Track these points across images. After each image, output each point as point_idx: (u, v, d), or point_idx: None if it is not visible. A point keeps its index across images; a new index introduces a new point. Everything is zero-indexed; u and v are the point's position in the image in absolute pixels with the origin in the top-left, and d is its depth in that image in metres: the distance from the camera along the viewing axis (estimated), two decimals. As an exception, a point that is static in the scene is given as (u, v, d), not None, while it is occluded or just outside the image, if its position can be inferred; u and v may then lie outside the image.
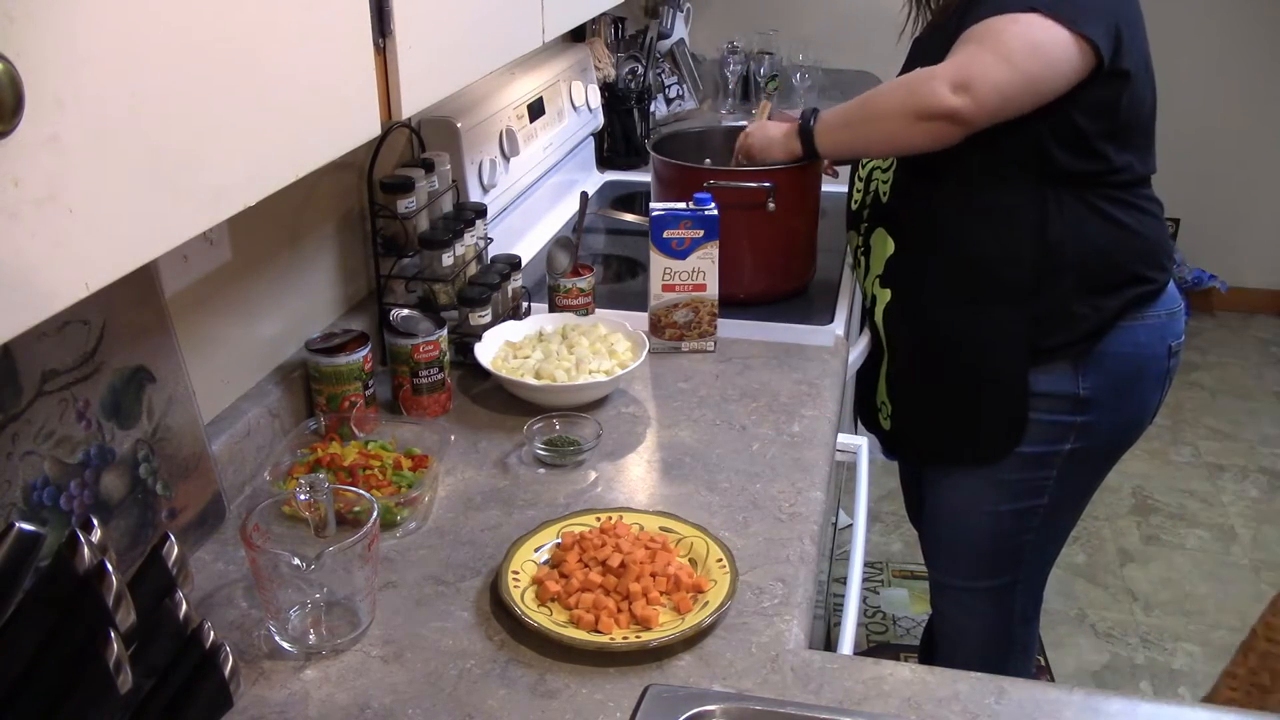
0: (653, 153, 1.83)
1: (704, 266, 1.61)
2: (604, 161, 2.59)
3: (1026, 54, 1.38)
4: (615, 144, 2.63)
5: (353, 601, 1.08)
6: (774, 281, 1.80)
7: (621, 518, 1.21)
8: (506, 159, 1.92)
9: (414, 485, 1.25)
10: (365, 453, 1.30)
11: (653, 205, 1.64)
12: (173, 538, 0.88)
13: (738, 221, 1.67)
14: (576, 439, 1.40)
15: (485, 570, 1.17)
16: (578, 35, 2.55)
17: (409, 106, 0.92)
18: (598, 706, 0.99)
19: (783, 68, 3.19)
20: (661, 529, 1.20)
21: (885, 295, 1.64)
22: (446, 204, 1.67)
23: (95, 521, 0.81)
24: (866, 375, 1.79)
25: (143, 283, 1.12)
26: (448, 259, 1.58)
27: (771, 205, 1.70)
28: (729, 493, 1.31)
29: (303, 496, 1.11)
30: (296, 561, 1.01)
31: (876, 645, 2.60)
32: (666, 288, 1.62)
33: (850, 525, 1.62)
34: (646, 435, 1.45)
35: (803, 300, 1.82)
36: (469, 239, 1.64)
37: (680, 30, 3.23)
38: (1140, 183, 1.53)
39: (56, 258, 0.55)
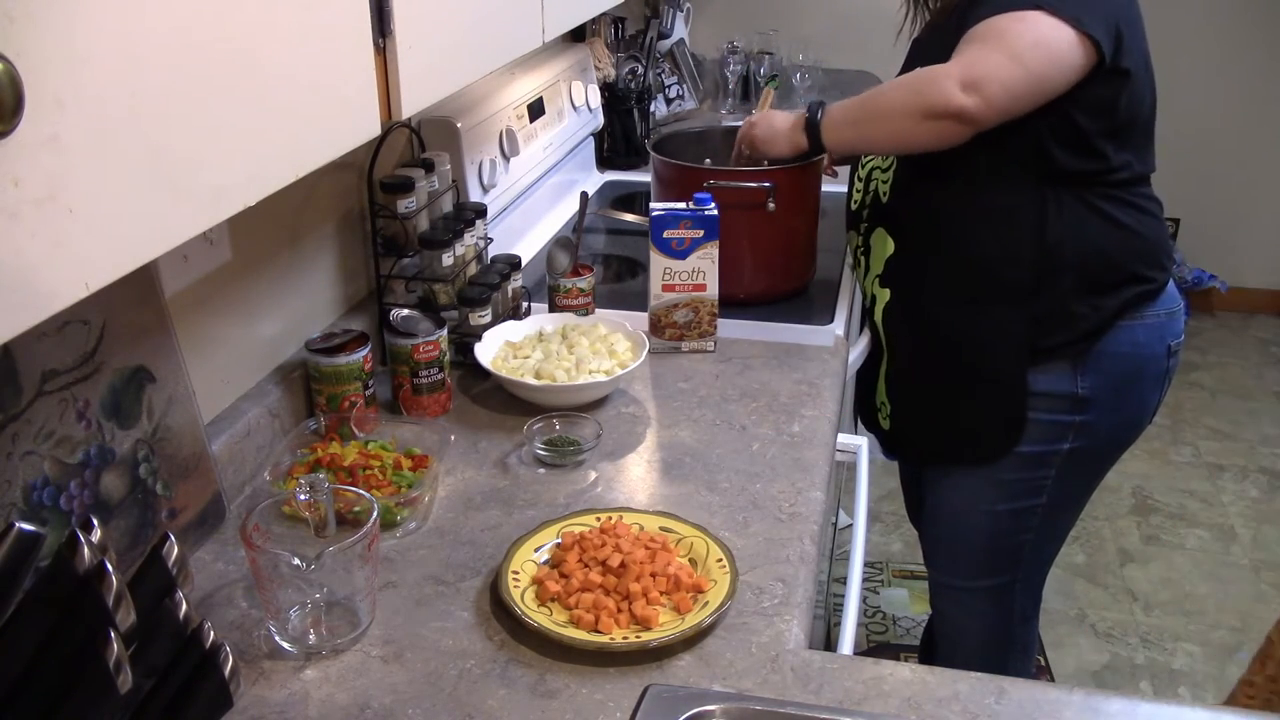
0: (653, 153, 1.82)
1: (704, 266, 1.61)
2: (604, 161, 2.59)
3: (1034, 52, 1.38)
4: (615, 144, 2.63)
5: (353, 601, 1.08)
6: (774, 281, 1.80)
7: (621, 518, 1.21)
8: (506, 159, 1.92)
9: (414, 485, 1.25)
10: (365, 453, 1.30)
11: (653, 205, 1.64)
12: (173, 538, 0.88)
13: (738, 221, 1.67)
14: (576, 439, 1.40)
15: (485, 570, 1.17)
16: (578, 35, 2.54)
17: (409, 106, 0.92)
18: (598, 706, 0.99)
19: (783, 68, 3.19)
20: (661, 529, 1.20)
21: (885, 295, 1.64)
22: (446, 204, 1.67)
23: (95, 521, 0.81)
24: (866, 375, 1.79)
25: (143, 283, 1.12)
26: (448, 259, 1.58)
27: (771, 205, 1.69)
28: (729, 493, 1.31)
29: (303, 496, 1.11)
30: (296, 561, 1.01)
31: (876, 645, 2.60)
32: (666, 288, 1.62)
33: (850, 525, 1.62)
34: (646, 435, 1.45)
35: (803, 300, 1.81)
36: (469, 239, 1.64)
37: (680, 30, 3.23)
38: (1139, 181, 1.53)
39: (56, 258, 0.55)
